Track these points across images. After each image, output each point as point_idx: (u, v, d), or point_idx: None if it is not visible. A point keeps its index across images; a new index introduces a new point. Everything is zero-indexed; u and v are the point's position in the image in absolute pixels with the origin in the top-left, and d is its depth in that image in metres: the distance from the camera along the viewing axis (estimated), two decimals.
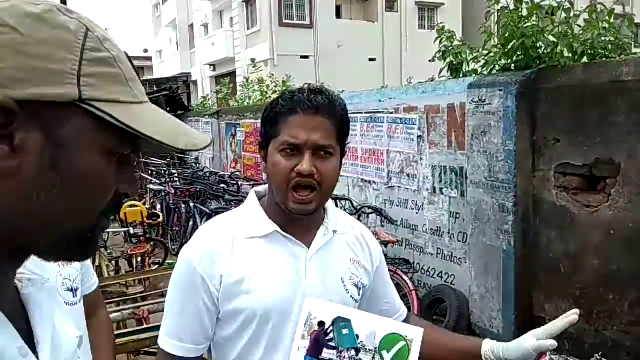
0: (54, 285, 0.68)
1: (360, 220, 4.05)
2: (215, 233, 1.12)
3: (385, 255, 3.84)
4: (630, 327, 2.76)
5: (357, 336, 0.99)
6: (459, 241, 3.65)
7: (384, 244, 3.83)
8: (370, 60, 20.64)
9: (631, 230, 2.70)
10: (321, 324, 1.00)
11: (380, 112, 4.35)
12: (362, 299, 1.19)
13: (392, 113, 4.21)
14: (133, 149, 0.57)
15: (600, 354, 2.89)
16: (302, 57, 19.42)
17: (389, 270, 3.88)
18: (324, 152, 1.05)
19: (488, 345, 1.13)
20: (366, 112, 4.51)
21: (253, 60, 18.42)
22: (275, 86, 8.94)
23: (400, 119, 4.11)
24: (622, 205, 2.76)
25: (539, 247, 3.17)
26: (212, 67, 24.27)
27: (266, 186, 1.17)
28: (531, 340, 1.07)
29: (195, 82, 25.39)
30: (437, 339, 1.18)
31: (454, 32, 4.11)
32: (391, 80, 15.64)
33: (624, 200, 2.75)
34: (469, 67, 4.02)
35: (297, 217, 1.10)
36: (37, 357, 0.56)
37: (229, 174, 7.37)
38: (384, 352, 0.97)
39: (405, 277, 3.54)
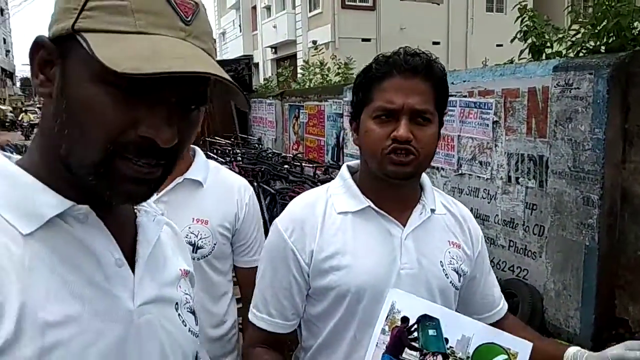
0: (162, 219, 0.74)
1: None
2: (307, 206, 1.07)
3: None
4: None
5: (446, 340, 0.88)
6: (534, 234, 3.46)
7: None
8: (434, 43, 19.99)
9: None
10: (405, 319, 0.90)
11: (451, 95, 4.17)
12: (461, 288, 1.10)
13: (465, 96, 4.03)
14: (153, 89, 0.54)
15: None
16: (363, 39, 19.14)
17: None
18: (422, 118, 0.97)
19: (571, 353, 1.00)
20: None
21: (314, 42, 18.39)
22: (338, 68, 8.85)
23: (475, 102, 3.93)
24: None
25: (626, 244, 2.94)
26: (273, 50, 24.44)
27: (358, 161, 1.11)
28: (618, 349, 0.90)
29: (256, 65, 25.71)
30: (525, 336, 1.08)
31: (537, 11, 3.85)
32: (455, 65, 15.09)
33: None
34: (552, 49, 3.77)
35: (393, 191, 1.03)
36: (134, 274, 0.63)
37: (292, 155, 7.40)
38: None
39: None
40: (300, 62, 17.67)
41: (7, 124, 30.42)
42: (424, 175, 1.10)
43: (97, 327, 0.58)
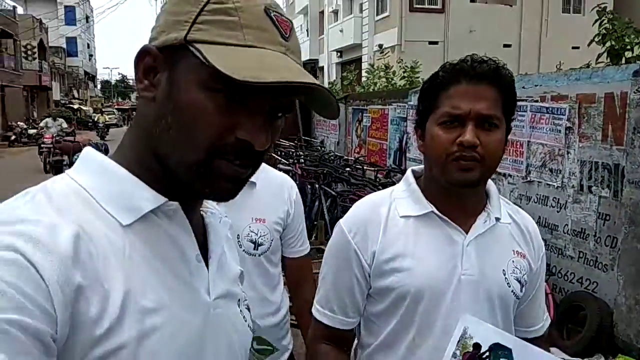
0: (227, 221, 0.78)
1: None
2: (371, 208, 1.11)
3: None
4: None
5: None
6: (606, 245, 3.30)
7: None
8: (505, 46, 19.33)
9: None
10: (477, 346, 0.90)
11: (522, 100, 4.06)
12: (521, 298, 1.08)
13: (536, 101, 3.91)
14: (254, 95, 0.59)
15: None
16: (430, 42, 18.83)
17: None
18: (488, 124, 0.97)
19: None
20: None
21: (380, 46, 18.34)
22: (404, 72, 8.79)
23: (547, 107, 3.80)
24: None
25: None
26: (339, 54, 24.61)
27: (422, 166, 1.13)
28: None
29: (322, 68, 26.00)
30: None
31: (617, 13, 3.68)
32: (527, 68, 14.48)
33: None
34: (632, 52, 3.59)
35: (457, 199, 1.04)
36: (208, 268, 0.68)
37: (354, 158, 7.45)
38: None
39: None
40: (365, 66, 17.67)
41: (89, 123, 32.60)
42: (490, 182, 1.10)
43: (183, 316, 0.62)
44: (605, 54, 3.67)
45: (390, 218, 1.07)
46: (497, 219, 1.07)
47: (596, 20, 3.64)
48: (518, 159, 4.11)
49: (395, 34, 18.82)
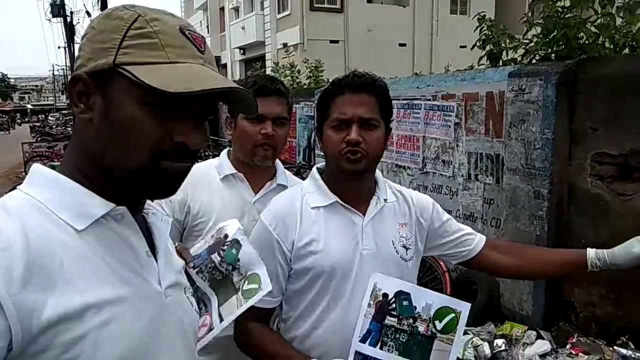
0: (168, 219, 0.89)
1: None
2: (287, 203, 1.30)
3: None
4: None
5: (415, 307, 1.14)
6: (492, 226, 3.76)
7: None
8: (400, 45, 20.48)
9: None
10: (385, 295, 1.15)
11: (417, 99, 4.46)
12: (412, 256, 1.33)
13: (429, 100, 4.31)
14: (182, 106, 0.69)
15: (626, 337, 3.00)
16: (331, 41, 19.39)
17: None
18: (368, 125, 1.22)
19: (593, 253, 1.24)
20: (403, 99, 4.61)
21: (285, 44, 18.51)
22: (309, 71, 9.04)
23: (438, 105, 4.21)
24: None
25: (572, 234, 3.27)
26: (241, 51, 24.43)
27: (323, 163, 1.35)
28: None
29: (224, 66, 25.63)
30: (543, 255, 1.36)
31: (494, 20, 4.16)
32: (421, 66, 15.52)
33: None
34: (507, 55, 4.09)
35: (353, 186, 1.27)
36: (157, 262, 0.78)
37: None
38: (436, 322, 1.13)
39: (438, 260, 3.69)
40: (269, 64, 17.76)
41: None
42: (377, 172, 1.35)
43: (140, 306, 0.71)
44: (485, 57, 4.14)
45: (304, 210, 1.28)
46: (385, 200, 1.32)
47: (477, 27, 4.10)
48: (415, 152, 4.50)
49: (298, 32, 19.13)
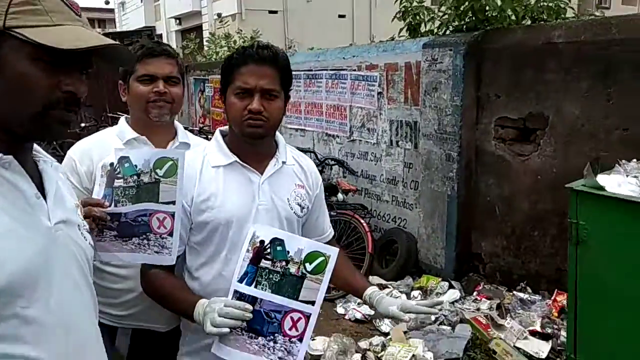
0: (58, 166, 1.01)
1: (324, 172, 4.39)
2: (188, 162, 1.39)
3: (346, 202, 4.20)
4: (549, 258, 3.22)
5: (288, 252, 1.27)
6: (411, 189, 4.03)
7: (345, 192, 4.19)
8: (340, 16, 20.47)
9: (555, 175, 3.11)
10: (262, 242, 1.28)
11: (344, 70, 4.61)
12: (304, 217, 1.48)
13: (355, 70, 4.47)
14: (69, 60, 0.81)
15: (525, 282, 3.37)
16: (270, 12, 19.08)
17: (348, 214, 4.26)
18: (270, 95, 1.33)
19: (370, 291, 1.46)
20: (331, 69, 4.75)
21: (219, 15, 18.05)
22: (243, 42, 8.96)
23: (363, 76, 4.38)
24: (549, 154, 3.16)
25: (479, 192, 3.58)
26: (177, 21, 23.56)
27: (227, 127, 1.45)
28: (396, 309, 1.38)
29: (160, 37, 24.65)
30: (344, 271, 1.51)
31: None
32: (361, 37, 15.65)
33: (550, 149, 3.15)
34: (426, 27, 4.30)
35: (253, 148, 1.39)
36: (47, 203, 0.88)
37: (198, 128, 7.51)
38: (306, 264, 1.26)
39: (362, 221, 3.92)
40: (206, 34, 17.31)
41: None
42: (279, 135, 1.48)
43: (28, 236, 0.82)
44: (405, 28, 4.33)
45: (204, 168, 1.38)
46: (284, 162, 1.44)
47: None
48: (343, 121, 4.68)
49: (235, 2, 18.67)
